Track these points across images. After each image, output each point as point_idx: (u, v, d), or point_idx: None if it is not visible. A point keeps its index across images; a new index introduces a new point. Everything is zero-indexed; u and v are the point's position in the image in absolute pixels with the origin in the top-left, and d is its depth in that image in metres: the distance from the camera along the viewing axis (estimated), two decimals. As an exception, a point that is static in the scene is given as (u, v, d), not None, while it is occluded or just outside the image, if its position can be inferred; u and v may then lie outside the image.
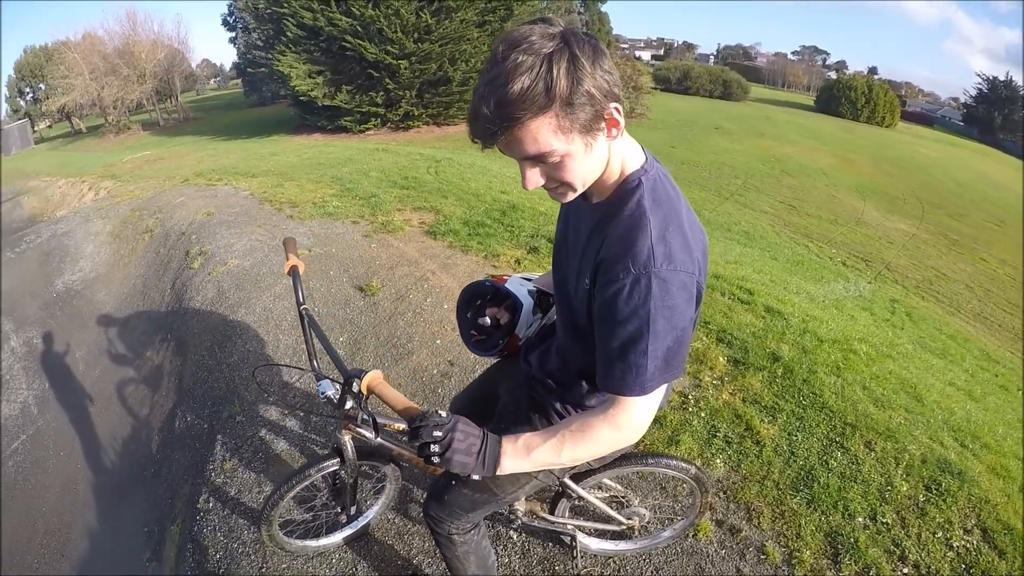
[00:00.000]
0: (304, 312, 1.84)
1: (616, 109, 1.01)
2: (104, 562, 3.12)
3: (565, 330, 1.41)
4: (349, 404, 1.56)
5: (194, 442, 3.14)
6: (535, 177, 1.06)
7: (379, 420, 1.56)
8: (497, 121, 0.95)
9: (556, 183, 1.08)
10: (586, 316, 1.22)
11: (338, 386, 1.63)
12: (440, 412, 1.16)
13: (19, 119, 37.26)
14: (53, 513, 3.58)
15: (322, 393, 1.64)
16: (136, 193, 8.97)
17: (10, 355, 5.32)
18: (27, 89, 43.10)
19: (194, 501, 2.68)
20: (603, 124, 1.02)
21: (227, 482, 2.68)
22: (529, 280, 1.73)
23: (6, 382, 4.96)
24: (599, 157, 1.08)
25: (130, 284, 5.85)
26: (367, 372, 1.41)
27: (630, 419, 1.14)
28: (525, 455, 1.17)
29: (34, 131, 36.08)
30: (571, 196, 1.12)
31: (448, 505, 1.58)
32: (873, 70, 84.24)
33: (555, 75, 0.92)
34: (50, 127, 41.74)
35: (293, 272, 1.94)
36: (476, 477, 1.17)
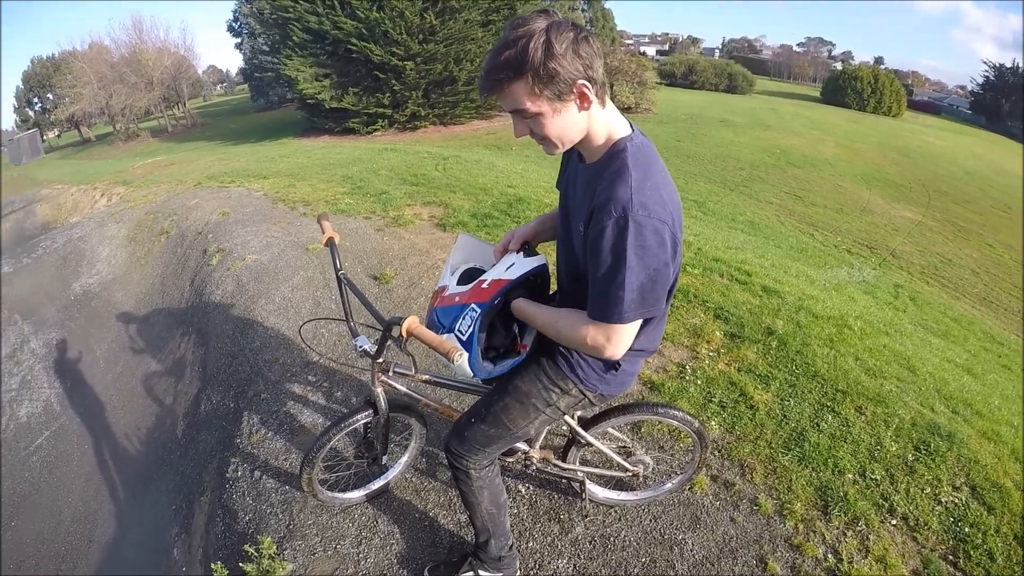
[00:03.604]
0: (343, 277, 2.02)
1: (584, 86, 1.25)
2: (132, 543, 3.27)
3: (567, 276, 1.62)
4: (383, 357, 1.74)
5: (220, 421, 3.30)
6: (520, 128, 1.35)
7: (406, 372, 1.74)
8: (488, 80, 1.26)
9: (538, 137, 1.35)
10: (582, 259, 1.43)
11: (372, 342, 1.82)
12: None
13: (28, 129, 37.75)
14: (79, 502, 3.73)
15: (359, 347, 1.83)
16: (149, 197, 9.07)
17: (30, 356, 5.49)
18: (35, 99, 43.75)
19: (223, 472, 2.86)
20: (572, 96, 1.26)
21: (255, 452, 2.85)
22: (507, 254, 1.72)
23: (28, 383, 5.11)
24: (572, 122, 1.31)
25: (148, 283, 5.99)
26: (406, 318, 1.57)
27: (604, 340, 1.40)
28: (527, 309, 1.56)
29: (43, 140, 36.50)
30: (555, 151, 1.39)
31: (467, 441, 1.77)
32: (879, 60, 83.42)
33: (530, 51, 1.19)
34: (59, 136, 42.42)
35: (330, 243, 2.12)
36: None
